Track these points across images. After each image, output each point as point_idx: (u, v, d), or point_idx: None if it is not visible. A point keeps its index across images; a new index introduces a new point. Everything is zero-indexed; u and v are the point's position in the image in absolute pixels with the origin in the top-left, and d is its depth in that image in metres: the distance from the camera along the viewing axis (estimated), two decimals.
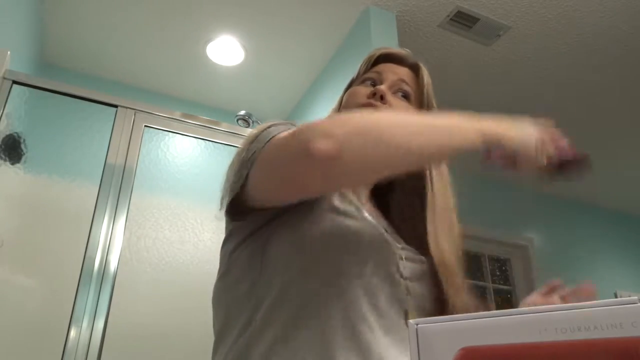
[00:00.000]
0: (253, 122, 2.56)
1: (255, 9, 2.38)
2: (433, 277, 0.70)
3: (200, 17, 2.43)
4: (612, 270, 4.04)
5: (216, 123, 1.90)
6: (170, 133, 1.83)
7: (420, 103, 0.82)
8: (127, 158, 1.66)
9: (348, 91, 0.83)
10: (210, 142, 1.87)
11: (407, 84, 0.81)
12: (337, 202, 0.67)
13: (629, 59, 2.64)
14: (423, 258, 0.71)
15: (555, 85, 2.84)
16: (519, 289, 3.60)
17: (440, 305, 0.70)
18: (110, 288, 1.48)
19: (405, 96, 0.80)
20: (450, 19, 2.39)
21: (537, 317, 0.29)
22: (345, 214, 0.66)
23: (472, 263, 3.59)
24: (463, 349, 0.31)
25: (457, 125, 0.64)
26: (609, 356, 0.26)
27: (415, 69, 0.84)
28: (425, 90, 0.83)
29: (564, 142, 0.68)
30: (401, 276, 0.66)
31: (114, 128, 1.69)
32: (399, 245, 0.70)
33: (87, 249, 1.50)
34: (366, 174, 0.60)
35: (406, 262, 0.68)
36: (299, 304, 0.61)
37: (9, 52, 1.62)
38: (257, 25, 2.47)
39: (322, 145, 0.52)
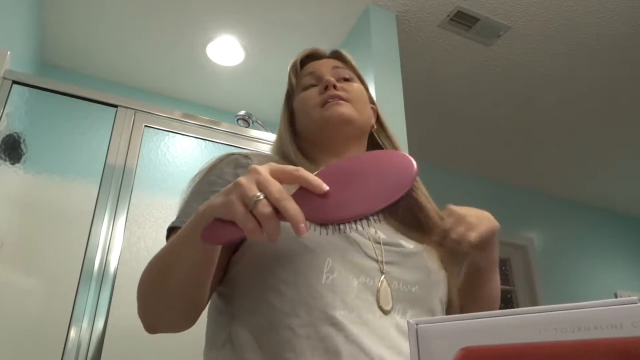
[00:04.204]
0: (253, 122, 2.56)
1: (255, 9, 2.38)
2: (418, 257, 0.70)
3: (200, 17, 2.43)
4: (612, 270, 4.04)
5: (216, 123, 1.90)
6: (170, 133, 1.83)
7: (359, 79, 0.87)
8: (127, 158, 1.66)
9: (298, 100, 0.83)
10: (210, 142, 1.87)
11: (342, 69, 0.85)
12: None
13: (629, 58, 2.64)
14: (401, 242, 0.71)
15: (555, 85, 2.84)
16: (519, 289, 3.60)
17: (428, 286, 0.69)
18: (110, 288, 1.48)
19: (348, 79, 0.84)
20: (450, 19, 2.39)
21: (537, 317, 0.29)
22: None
23: None
24: (463, 349, 0.31)
25: (182, 230, 0.57)
26: (609, 356, 0.26)
27: (337, 56, 0.88)
28: (356, 68, 0.87)
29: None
30: (375, 260, 0.66)
31: (114, 128, 1.69)
32: (373, 230, 0.69)
33: (87, 249, 1.49)
34: (176, 314, 0.63)
35: (383, 245, 0.68)
36: (266, 321, 0.62)
37: (9, 52, 1.62)
38: (257, 25, 2.47)
39: (144, 326, 0.64)
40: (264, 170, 0.49)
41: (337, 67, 0.85)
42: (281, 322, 0.60)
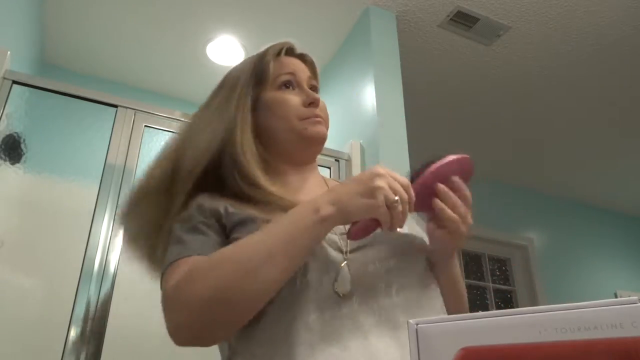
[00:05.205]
0: None
1: (255, 9, 2.38)
2: (381, 235, 0.71)
3: (200, 17, 2.43)
4: (612, 270, 4.04)
5: None
6: (170, 133, 1.82)
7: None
8: (127, 158, 1.66)
9: (274, 99, 0.79)
10: None
11: (314, 79, 0.86)
12: (247, 220, 0.67)
13: (629, 59, 2.64)
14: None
15: (555, 85, 2.84)
16: (519, 289, 3.60)
17: (406, 255, 0.70)
18: (110, 288, 1.48)
19: (316, 91, 0.85)
20: (450, 19, 2.39)
21: (537, 317, 0.29)
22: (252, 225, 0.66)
23: (472, 263, 3.59)
24: (463, 349, 0.31)
25: (293, 224, 0.61)
26: (609, 356, 0.26)
27: (309, 63, 0.88)
28: (319, 81, 0.88)
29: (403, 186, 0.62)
30: (341, 252, 0.67)
31: (114, 128, 1.69)
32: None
33: (87, 249, 1.49)
34: (235, 319, 0.60)
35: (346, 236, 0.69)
36: (258, 331, 0.63)
37: (9, 52, 1.61)
38: (257, 25, 2.47)
39: (177, 332, 0.60)
40: (390, 176, 0.61)
41: (312, 77, 0.85)
42: (264, 336, 0.62)
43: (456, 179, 0.66)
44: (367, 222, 0.62)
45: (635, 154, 3.54)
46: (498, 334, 0.30)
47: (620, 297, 3.18)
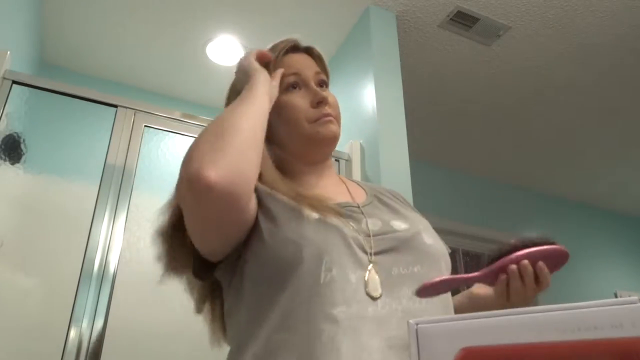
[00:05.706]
0: None
1: (256, 9, 2.38)
2: (414, 238, 0.72)
3: (200, 17, 2.43)
4: (612, 270, 4.04)
5: None
6: (170, 133, 1.83)
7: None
8: (127, 158, 1.65)
9: (284, 104, 0.80)
10: None
11: (322, 73, 0.85)
12: (275, 210, 0.68)
13: (628, 59, 2.64)
14: (394, 227, 0.72)
15: (555, 85, 2.84)
16: None
17: (430, 263, 0.70)
18: (110, 288, 1.48)
19: (325, 85, 0.85)
20: (450, 19, 2.39)
21: (537, 317, 0.29)
22: (283, 223, 0.67)
23: (472, 263, 3.59)
24: (464, 349, 0.31)
25: (250, 94, 0.72)
26: (609, 356, 0.26)
27: (315, 56, 0.87)
28: (329, 73, 0.88)
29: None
30: (365, 252, 0.67)
31: (114, 128, 1.69)
32: (365, 223, 0.71)
33: (87, 249, 1.49)
34: (245, 166, 0.64)
35: (374, 237, 0.69)
36: (275, 321, 0.63)
37: (8, 52, 1.61)
38: (257, 25, 2.47)
39: (206, 177, 0.61)
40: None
41: (319, 72, 0.84)
42: (282, 323, 0.61)
43: (542, 265, 0.69)
44: (438, 282, 0.63)
45: (635, 155, 3.54)
46: (498, 334, 0.30)
47: (620, 297, 3.18)
